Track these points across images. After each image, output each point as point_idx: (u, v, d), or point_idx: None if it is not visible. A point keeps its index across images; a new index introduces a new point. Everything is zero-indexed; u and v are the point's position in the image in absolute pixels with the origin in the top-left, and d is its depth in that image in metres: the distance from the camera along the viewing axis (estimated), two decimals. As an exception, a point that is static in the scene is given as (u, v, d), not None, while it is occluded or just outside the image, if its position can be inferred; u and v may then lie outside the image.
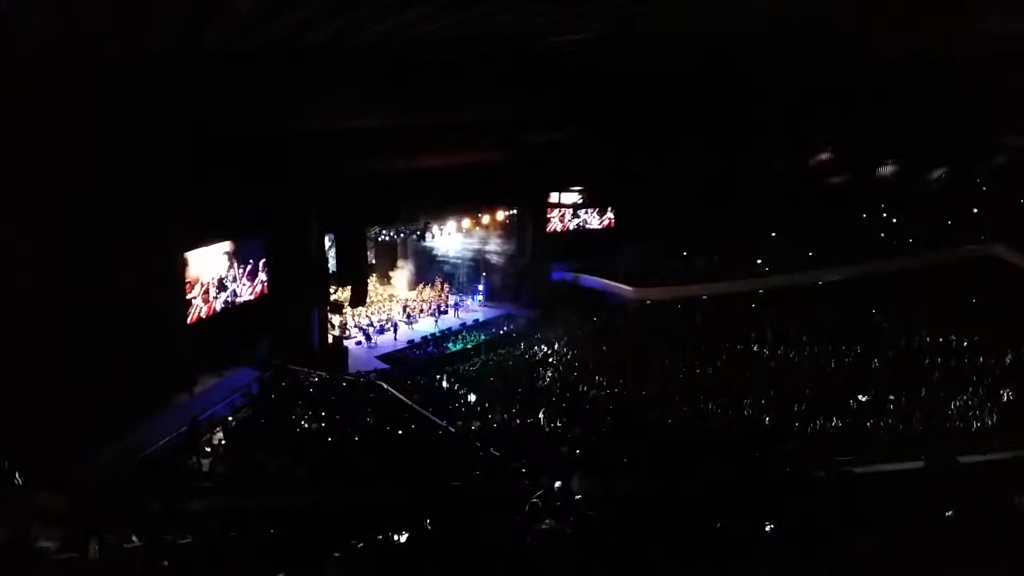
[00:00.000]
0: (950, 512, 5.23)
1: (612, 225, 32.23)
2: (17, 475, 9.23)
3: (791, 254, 29.71)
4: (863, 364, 21.94)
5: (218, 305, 20.14)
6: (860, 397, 19.76)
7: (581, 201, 31.79)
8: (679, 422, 19.43)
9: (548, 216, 31.42)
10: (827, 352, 22.92)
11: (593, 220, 32.21)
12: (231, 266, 20.71)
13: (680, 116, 27.18)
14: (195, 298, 19.41)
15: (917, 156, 30.57)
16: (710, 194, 29.19)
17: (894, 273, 27.74)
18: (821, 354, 22.84)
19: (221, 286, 20.18)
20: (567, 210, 31.73)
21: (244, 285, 21.33)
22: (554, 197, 31.50)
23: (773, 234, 30.63)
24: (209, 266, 19.97)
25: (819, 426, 18.56)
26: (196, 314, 19.44)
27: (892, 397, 19.51)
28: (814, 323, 24.87)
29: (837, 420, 18.72)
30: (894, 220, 31.35)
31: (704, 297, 27.77)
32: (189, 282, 19.12)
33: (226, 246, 20.52)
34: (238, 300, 21.05)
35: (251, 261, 21.54)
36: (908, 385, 20.13)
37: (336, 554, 3.48)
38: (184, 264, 18.66)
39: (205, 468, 12.30)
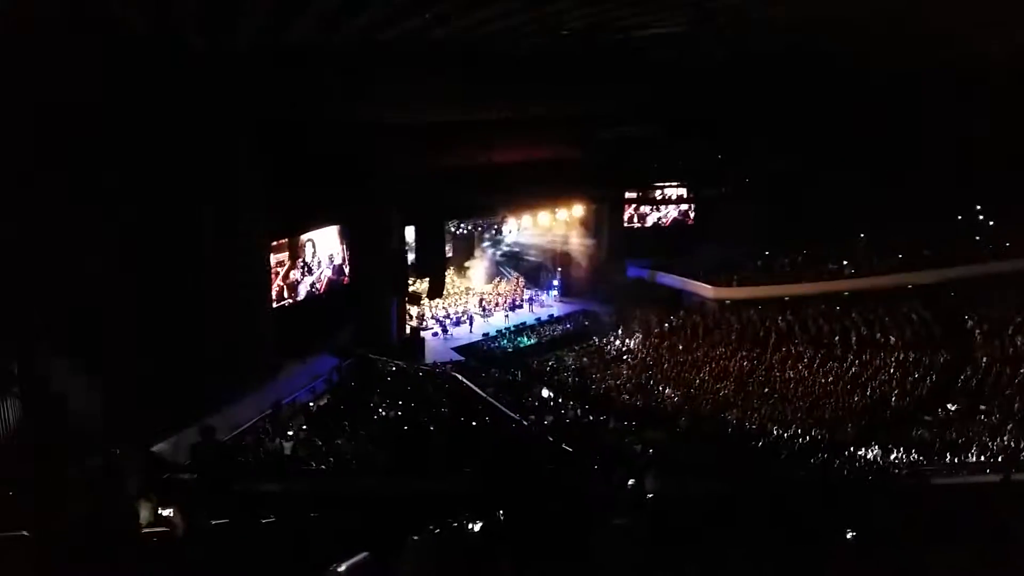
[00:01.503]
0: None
1: (692, 223, 31.77)
2: (115, 453, 9.69)
3: (879, 256, 28.73)
4: (953, 372, 21.10)
5: (308, 285, 21.16)
6: (949, 406, 19.04)
7: (660, 197, 31.45)
8: (756, 425, 19.10)
9: (625, 212, 31.19)
10: (915, 358, 22.13)
11: (672, 217, 31.83)
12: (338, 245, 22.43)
13: (764, 113, 26.58)
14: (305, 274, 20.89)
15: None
16: (794, 192, 28.46)
17: (989, 277, 26.50)
18: (908, 360, 22.07)
19: (308, 269, 21.00)
20: (646, 206, 31.44)
21: (348, 266, 22.89)
22: (633, 192, 31.26)
23: (861, 235, 29.65)
24: (319, 248, 21.61)
25: (904, 434, 17.97)
26: (306, 288, 21.08)
27: (983, 407, 18.71)
28: (902, 328, 24.02)
29: (923, 429, 18.09)
30: (991, 223, 29.93)
31: (786, 299, 27.12)
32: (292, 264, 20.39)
33: (333, 229, 21.99)
34: (345, 279, 22.66)
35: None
36: (1000, 395, 19.28)
37: (414, 537, 3.59)
38: (271, 252, 19.42)
39: (287, 451, 12.72)
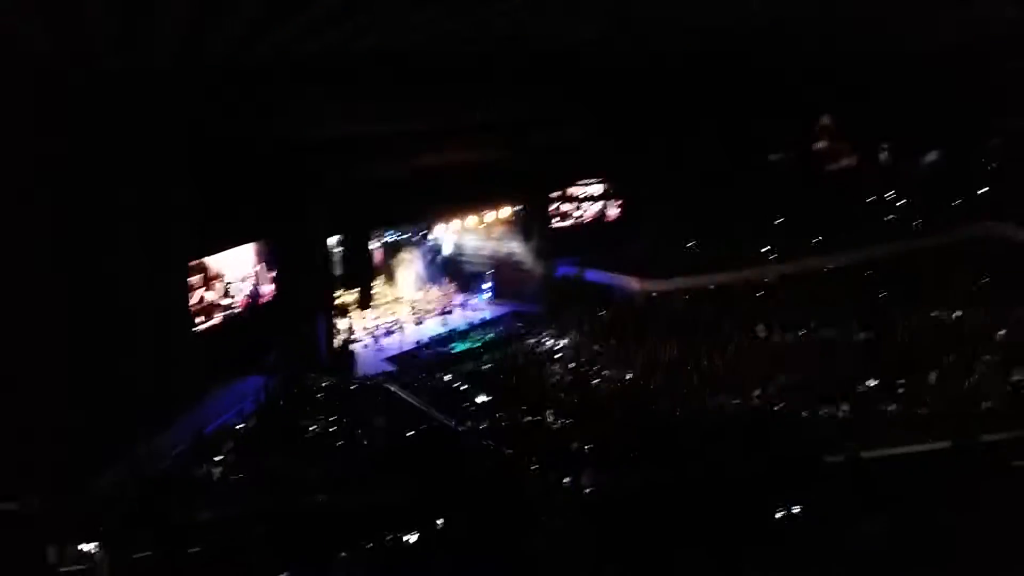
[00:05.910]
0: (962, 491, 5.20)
1: (617, 219, 32.17)
2: (30, 491, 9.24)
3: (796, 241, 29.61)
4: (871, 348, 21.83)
5: (225, 306, 20.53)
6: (868, 382, 19.65)
7: (586, 196, 31.77)
8: (689, 412, 19.38)
9: (552, 211, 31.38)
10: (835, 338, 22.83)
11: (598, 214, 32.16)
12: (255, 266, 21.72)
13: (683, 107, 27.15)
14: (218, 300, 20.14)
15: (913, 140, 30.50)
16: (714, 184, 29.12)
17: (901, 256, 27.56)
18: (829, 340, 22.75)
19: (224, 290, 20.42)
20: (572, 205, 31.70)
21: (268, 285, 22.16)
22: (558, 192, 31.46)
23: (779, 220, 30.53)
24: (235, 267, 20.92)
25: (829, 412, 18.47)
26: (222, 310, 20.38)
27: (902, 381, 19.38)
28: (821, 309, 24.78)
29: (847, 405, 18.62)
30: (900, 203, 31.16)
31: (712, 287, 27.67)
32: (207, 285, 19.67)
33: (249, 247, 21.31)
34: (262, 298, 21.87)
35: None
36: (917, 368, 20.01)
37: (343, 554, 3.46)
38: (189, 274, 18.79)
39: (216, 476, 12.34)
